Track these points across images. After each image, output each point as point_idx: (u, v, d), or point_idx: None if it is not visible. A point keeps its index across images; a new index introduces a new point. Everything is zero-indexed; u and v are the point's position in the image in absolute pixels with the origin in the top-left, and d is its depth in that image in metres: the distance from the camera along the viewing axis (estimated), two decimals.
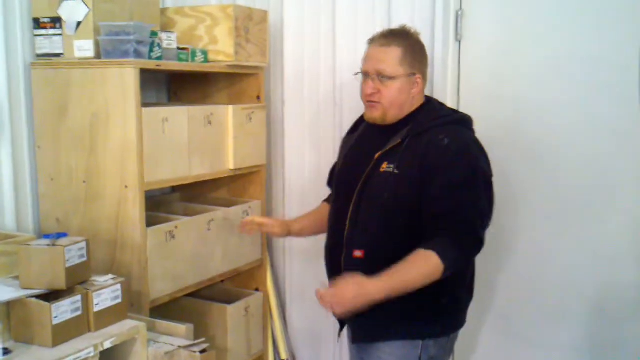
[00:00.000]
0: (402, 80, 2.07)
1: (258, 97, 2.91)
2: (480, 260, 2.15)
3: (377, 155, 2.06)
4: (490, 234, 2.04)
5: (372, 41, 2.14)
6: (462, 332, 2.21)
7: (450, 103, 2.69)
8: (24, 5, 2.39)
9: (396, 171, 2.01)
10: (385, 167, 2.04)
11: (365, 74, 2.11)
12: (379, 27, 2.66)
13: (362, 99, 2.16)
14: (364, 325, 2.11)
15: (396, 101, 2.08)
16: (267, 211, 3.11)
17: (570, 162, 2.56)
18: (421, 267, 1.90)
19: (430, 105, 2.18)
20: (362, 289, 1.86)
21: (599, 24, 2.47)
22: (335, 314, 1.97)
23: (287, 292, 3.21)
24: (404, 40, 2.10)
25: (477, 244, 1.98)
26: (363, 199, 2.07)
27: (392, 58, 2.06)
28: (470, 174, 1.99)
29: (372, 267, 1.93)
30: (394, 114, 2.10)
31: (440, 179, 1.96)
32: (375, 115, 2.11)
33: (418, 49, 2.13)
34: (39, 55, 2.40)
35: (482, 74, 2.71)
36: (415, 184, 1.98)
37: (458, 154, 2.00)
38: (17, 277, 1.93)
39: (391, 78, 2.06)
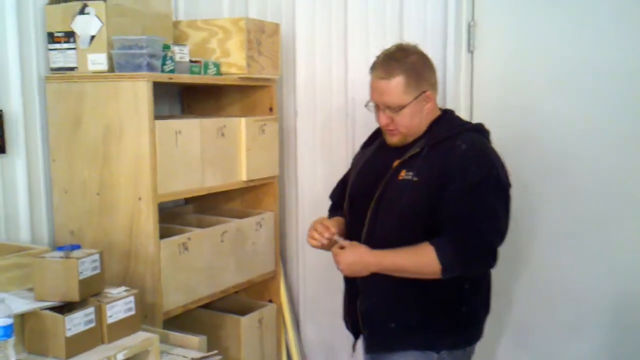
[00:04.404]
0: (412, 106, 2.04)
1: (270, 109, 2.92)
2: (495, 272, 2.13)
3: (395, 164, 2.06)
4: (505, 245, 2.02)
5: (373, 70, 2.09)
6: (479, 344, 2.19)
7: (463, 113, 2.68)
8: (38, 20, 2.42)
9: (415, 178, 2.00)
10: (404, 174, 2.03)
11: (376, 105, 2.10)
12: (390, 39, 2.67)
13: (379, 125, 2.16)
14: (378, 335, 2.10)
15: (412, 124, 2.07)
16: (280, 222, 3.11)
17: (584, 171, 2.54)
18: (416, 256, 1.96)
19: (447, 117, 2.17)
20: (360, 259, 2.03)
21: (611, 33, 2.45)
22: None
23: (301, 303, 3.21)
24: (403, 64, 2.03)
25: (485, 250, 1.97)
26: (381, 207, 2.06)
27: (395, 89, 2.02)
28: (483, 179, 1.98)
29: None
30: (413, 134, 2.10)
31: (455, 183, 1.96)
32: (395, 141, 2.11)
33: (420, 66, 2.07)
34: (53, 69, 2.43)
35: (495, 84, 2.70)
36: (434, 192, 1.97)
37: (474, 158, 2.00)
38: (31, 289, 1.94)
39: (401, 108, 2.04)
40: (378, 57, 2.10)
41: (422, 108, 2.07)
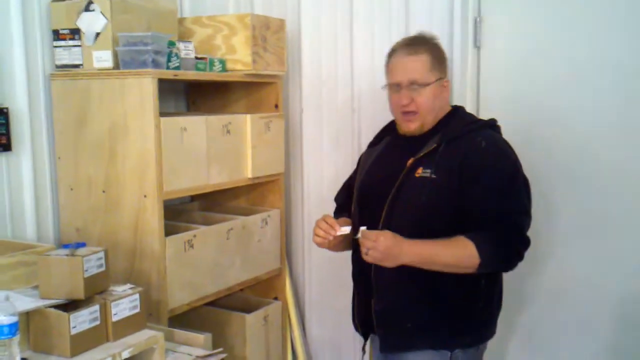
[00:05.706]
0: (434, 86, 2.06)
1: (276, 106, 2.91)
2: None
3: (410, 161, 2.04)
4: None
5: (395, 52, 2.11)
6: (490, 343, 2.18)
7: (469, 109, 2.66)
8: (44, 17, 2.42)
9: (433, 176, 1.99)
10: (421, 172, 2.01)
11: (396, 86, 2.08)
12: (396, 35, 2.65)
13: (394, 112, 2.14)
14: (394, 334, 2.08)
15: (432, 107, 2.07)
16: (286, 219, 3.10)
17: (591, 169, 2.51)
18: (456, 251, 1.92)
19: (460, 112, 2.17)
20: (398, 245, 1.90)
21: (618, 29, 2.43)
22: (366, 259, 1.94)
23: (306, 301, 3.20)
24: (428, 44, 2.10)
25: (523, 245, 1.98)
26: (396, 205, 2.03)
27: (422, 65, 2.05)
28: (511, 175, 2.00)
29: (405, 272, 1.94)
30: (430, 122, 2.09)
31: (483, 180, 1.95)
32: (413, 127, 2.10)
33: (441, 54, 2.13)
34: (58, 67, 2.42)
35: (501, 80, 2.68)
36: (455, 189, 1.96)
37: (498, 155, 2.01)
38: (36, 287, 1.94)
39: (425, 85, 2.04)
40: (398, 42, 2.14)
41: (440, 94, 2.09)
